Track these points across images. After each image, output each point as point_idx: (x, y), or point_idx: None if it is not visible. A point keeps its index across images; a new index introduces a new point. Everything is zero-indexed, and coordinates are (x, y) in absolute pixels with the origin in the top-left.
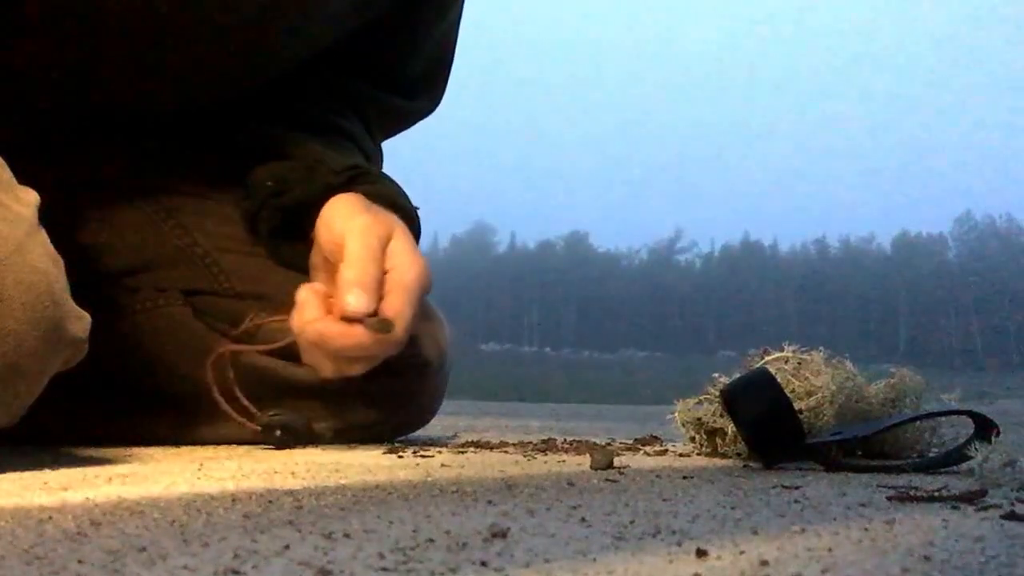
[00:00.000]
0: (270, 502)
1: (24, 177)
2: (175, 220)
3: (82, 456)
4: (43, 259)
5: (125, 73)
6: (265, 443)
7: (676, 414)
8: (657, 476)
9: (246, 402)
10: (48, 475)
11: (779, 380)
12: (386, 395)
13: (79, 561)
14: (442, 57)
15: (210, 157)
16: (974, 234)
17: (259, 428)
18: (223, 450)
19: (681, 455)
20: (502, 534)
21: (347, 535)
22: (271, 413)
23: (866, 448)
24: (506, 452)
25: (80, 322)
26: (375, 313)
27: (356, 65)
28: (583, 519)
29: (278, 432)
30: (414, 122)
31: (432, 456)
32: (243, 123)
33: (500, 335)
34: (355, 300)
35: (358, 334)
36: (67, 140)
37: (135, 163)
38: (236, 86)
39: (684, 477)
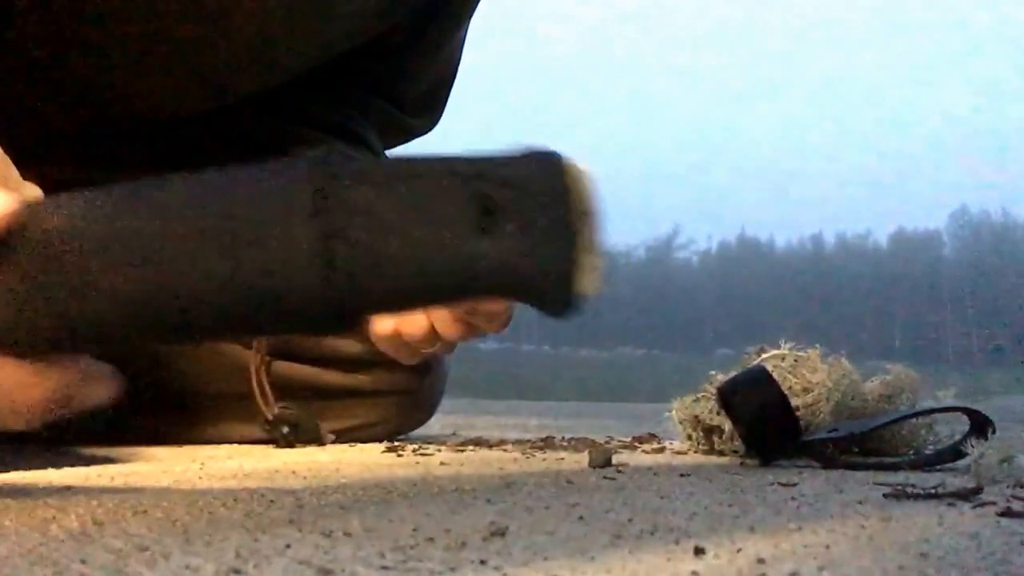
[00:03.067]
0: (271, 501)
1: (30, 177)
2: None
3: (85, 456)
4: None
5: (137, 74)
6: (270, 438)
7: (673, 412)
8: (655, 474)
9: (268, 392)
10: (52, 475)
11: (776, 377)
12: (386, 395)
13: (82, 561)
14: (446, 77)
15: (224, 155)
16: (970, 230)
17: (269, 418)
18: (224, 449)
19: (678, 453)
20: (501, 532)
21: (347, 534)
22: (281, 406)
23: (862, 445)
24: (505, 450)
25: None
26: None
27: (365, 79)
28: (581, 517)
29: (286, 428)
30: (412, 139)
31: (431, 455)
32: (257, 123)
33: (498, 333)
34: None
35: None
36: (76, 143)
37: (145, 165)
38: (243, 89)
39: (682, 475)
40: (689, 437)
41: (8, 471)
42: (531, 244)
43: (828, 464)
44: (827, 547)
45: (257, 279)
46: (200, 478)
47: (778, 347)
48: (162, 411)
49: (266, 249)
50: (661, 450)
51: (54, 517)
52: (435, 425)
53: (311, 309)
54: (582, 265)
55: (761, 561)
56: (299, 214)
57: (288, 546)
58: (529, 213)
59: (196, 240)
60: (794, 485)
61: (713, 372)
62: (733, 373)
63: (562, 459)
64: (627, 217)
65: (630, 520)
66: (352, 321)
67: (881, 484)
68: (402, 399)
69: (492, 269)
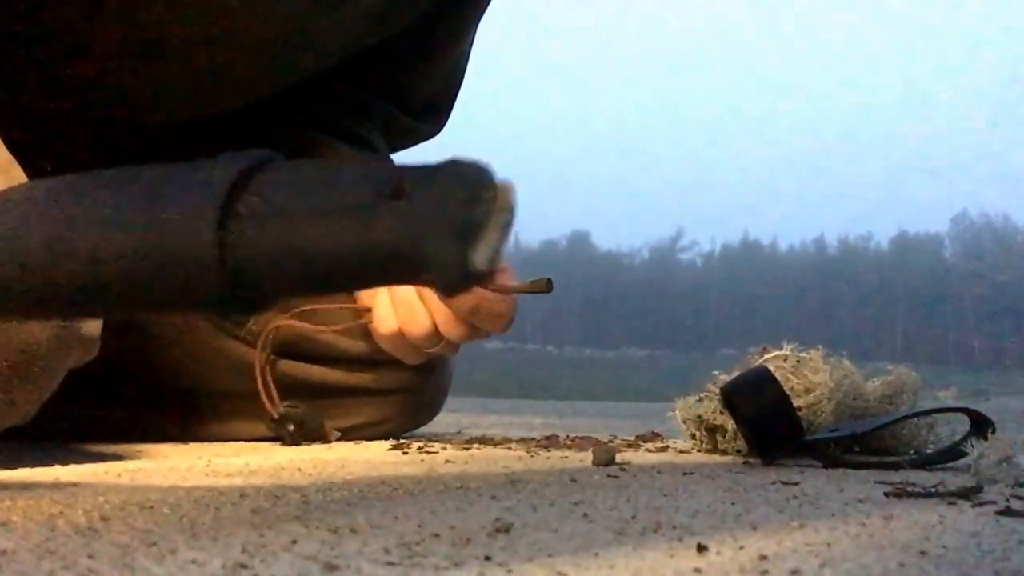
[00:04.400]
0: (277, 498)
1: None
2: None
3: (92, 452)
4: None
5: (141, 77)
6: (275, 435)
7: (677, 411)
8: (658, 472)
9: (273, 391)
10: (59, 471)
11: (778, 378)
12: (391, 394)
13: (89, 556)
14: (452, 83)
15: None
16: (971, 233)
17: (275, 416)
18: (231, 447)
19: (682, 452)
20: (505, 529)
21: (353, 530)
22: (286, 404)
23: (864, 445)
24: (509, 448)
25: (92, 321)
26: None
27: (370, 82)
28: (585, 514)
29: (291, 427)
30: (417, 142)
31: (436, 452)
32: (261, 126)
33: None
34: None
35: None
36: (81, 144)
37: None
38: (249, 95)
39: (685, 473)
40: (692, 436)
41: (15, 467)
42: (429, 226)
43: (830, 463)
44: (828, 545)
45: (152, 240)
46: (206, 475)
47: (780, 348)
48: (168, 409)
49: (163, 218)
50: (664, 449)
51: (61, 512)
52: (440, 423)
53: (204, 283)
54: (476, 245)
55: (763, 558)
56: (207, 197)
57: (294, 542)
58: (437, 204)
59: (103, 206)
60: (796, 484)
61: (716, 372)
62: (736, 373)
63: (566, 457)
64: (631, 219)
65: (633, 517)
66: (245, 301)
67: (882, 483)
68: (407, 398)
69: (387, 240)
